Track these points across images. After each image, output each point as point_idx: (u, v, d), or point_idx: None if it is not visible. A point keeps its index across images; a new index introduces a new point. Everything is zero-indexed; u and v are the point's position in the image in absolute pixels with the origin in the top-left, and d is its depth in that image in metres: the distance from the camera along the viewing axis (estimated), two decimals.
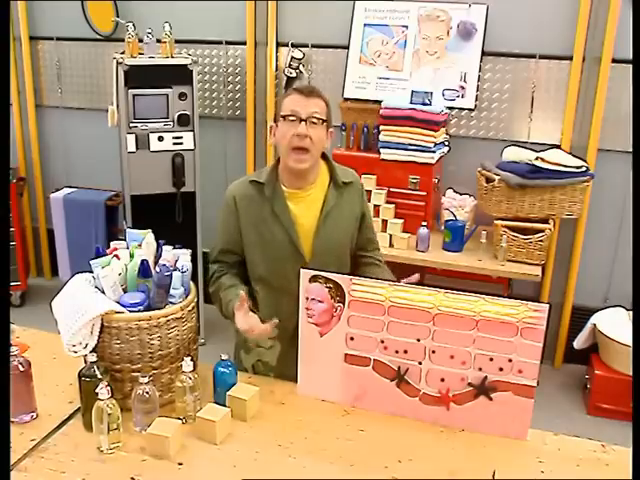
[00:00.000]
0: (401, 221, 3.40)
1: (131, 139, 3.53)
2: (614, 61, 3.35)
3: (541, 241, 3.22)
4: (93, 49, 4.21)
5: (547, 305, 1.71)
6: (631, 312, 3.54)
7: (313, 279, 1.88)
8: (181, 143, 3.61)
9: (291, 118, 2.01)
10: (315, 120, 2.02)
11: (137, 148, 3.55)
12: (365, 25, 3.67)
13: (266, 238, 2.08)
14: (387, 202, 3.45)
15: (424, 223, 3.32)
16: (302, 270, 1.89)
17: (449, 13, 3.51)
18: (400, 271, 3.28)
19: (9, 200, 3.77)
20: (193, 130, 3.61)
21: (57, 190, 4.15)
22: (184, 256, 1.97)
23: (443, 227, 3.41)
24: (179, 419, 1.83)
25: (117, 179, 3.89)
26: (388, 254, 3.32)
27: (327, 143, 2.11)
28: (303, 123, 2.00)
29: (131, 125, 3.52)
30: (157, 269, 1.85)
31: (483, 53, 3.51)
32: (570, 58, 3.42)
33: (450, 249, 3.35)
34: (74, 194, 4.11)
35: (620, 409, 3.34)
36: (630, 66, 3.34)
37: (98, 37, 4.16)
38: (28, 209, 4.60)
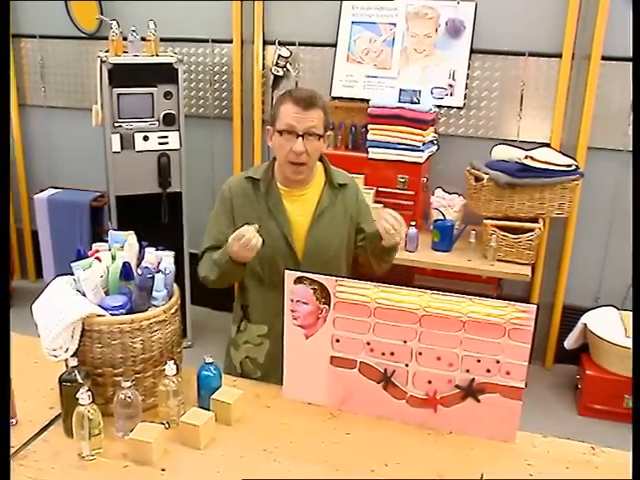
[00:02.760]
0: None
1: (116, 139, 3.49)
2: (604, 58, 3.34)
3: (531, 240, 3.19)
4: (77, 47, 4.16)
5: (534, 306, 1.68)
6: (622, 312, 3.52)
7: (298, 280, 1.84)
8: (167, 143, 3.57)
9: (287, 134, 1.99)
10: (312, 134, 1.99)
11: (122, 148, 3.51)
12: (353, 23, 3.64)
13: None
14: (375, 202, 3.42)
15: (413, 223, 3.29)
16: (287, 271, 1.86)
17: (437, 10, 3.49)
18: (388, 271, 3.27)
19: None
20: (179, 129, 3.57)
21: (41, 191, 4.10)
22: (167, 258, 1.93)
23: (432, 227, 3.39)
24: (162, 424, 1.80)
25: (102, 179, 3.85)
26: None
27: (324, 148, 2.09)
28: (300, 139, 1.98)
29: (116, 125, 3.48)
30: (139, 271, 1.81)
31: (472, 51, 3.49)
32: (559, 56, 3.40)
33: (439, 249, 3.33)
34: (58, 195, 4.06)
35: (611, 409, 3.33)
36: (620, 63, 3.33)
37: (82, 35, 4.11)
38: (12, 210, 4.54)
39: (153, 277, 1.81)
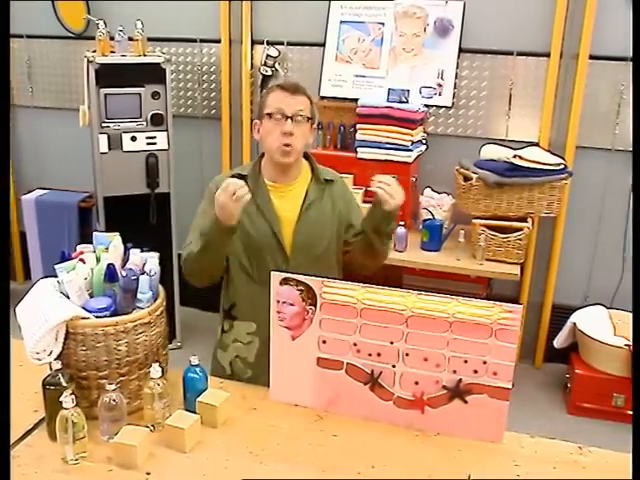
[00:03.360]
0: None
1: (103, 139, 3.47)
2: (592, 57, 3.34)
3: (520, 240, 3.19)
4: (65, 47, 4.14)
5: (520, 306, 1.68)
6: (611, 310, 3.53)
7: (284, 282, 1.83)
8: (155, 143, 3.55)
9: (277, 116, 2.03)
10: (300, 118, 2.04)
11: (109, 148, 3.49)
12: (341, 22, 3.63)
13: (248, 229, 2.07)
14: (364, 202, 3.41)
15: (402, 223, 3.28)
16: (272, 272, 1.84)
17: (426, 10, 3.49)
18: (377, 271, 3.26)
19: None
20: (167, 130, 3.55)
21: (29, 192, 4.07)
22: (152, 259, 1.91)
23: (421, 226, 3.38)
24: (148, 427, 1.78)
25: (91, 180, 3.81)
26: None
27: (311, 138, 2.13)
28: (289, 120, 2.02)
29: (103, 125, 3.46)
30: (123, 273, 1.79)
31: (460, 50, 3.49)
32: (547, 55, 3.40)
33: (428, 249, 3.32)
34: (46, 196, 4.04)
35: (601, 408, 3.34)
36: (607, 62, 3.34)
37: (70, 35, 4.08)
38: None
39: (137, 279, 1.79)
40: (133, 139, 3.51)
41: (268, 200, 2.11)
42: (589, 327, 3.40)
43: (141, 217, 3.60)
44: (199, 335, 3.91)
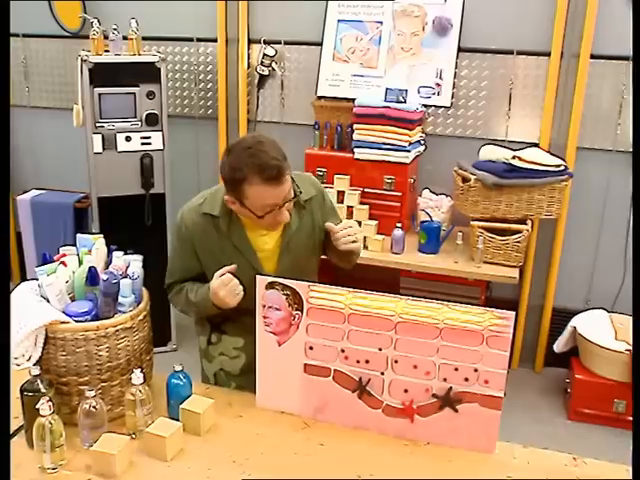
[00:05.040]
0: (375, 222, 3.31)
1: (97, 139, 3.42)
2: (593, 57, 3.28)
3: (518, 242, 3.13)
4: (61, 46, 4.09)
5: (513, 313, 1.62)
6: (612, 314, 3.46)
7: (270, 286, 1.78)
8: (149, 143, 3.50)
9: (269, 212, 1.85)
10: (289, 199, 1.87)
11: (104, 149, 3.44)
12: (339, 21, 3.57)
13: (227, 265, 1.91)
14: (361, 203, 3.36)
15: (399, 224, 3.23)
16: (258, 277, 1.80)
17: (424, 8, 3.43)
18: (374, 273, 3.22)
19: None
20: (162, 130, 3.50)
21: (24, 192, 4.03)
22: (135, 262, 1.86)
23: (418, 228, 3.32)
24: (130, 434, 1.74)
25: (87, 181, 3.77)
26: (362, 256, 3.22)
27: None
28: (284, 209, 1.85)
29: (97, 125, 3.41)
30: (104, 277, 1.75)
31: (459, 49, 3.43)
32: (548, 54, 3.34)
33: (426, 251, 3.26)
34: (42, 196, 3.99)
35: (601, 414, 3.27)
36: (609, 62, 3.29)
37: (66, 34, 4.04)
38: None
39: (118, 283, 1.74)
40: (128, 139, 3.46)
41: (244, 239, 1.96)
42: (590, 331, 3.33)
43: (136, 218, 3.55)
44: (194, 338, 3.84)
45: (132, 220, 3.53)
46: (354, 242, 1.94)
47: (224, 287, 1.84)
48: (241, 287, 1.86)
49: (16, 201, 4.00)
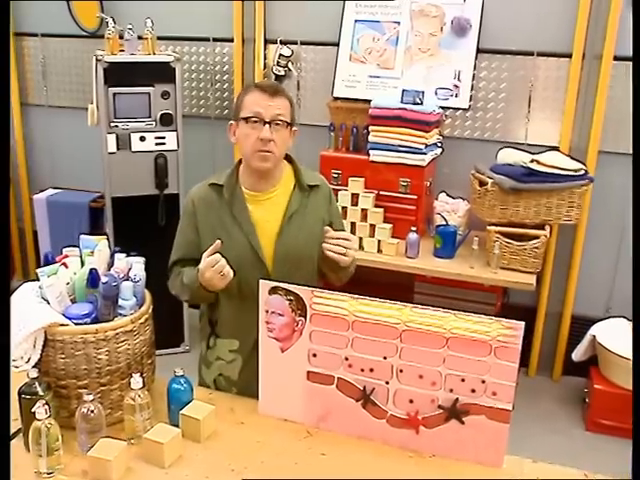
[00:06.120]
0: (390, 226, 3.25)
1: (111, 139, 3.42)
2: (616, 58, 3.19)
3: (536, 248, 3.05)
4: (79, 46, 4.09)
5: (522, 323, 1.56)
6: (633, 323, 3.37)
7: (273, 291, 1.74)
8: (164, 143, 3.49)
9: (254, 120, 1.89)
10: (279, 122, 1.90)
11: (118, 148, 3.44)
12: (356, 21, 3.53)
13: (225, 243, 1.95)
14: (376, 206, 3.31)
15: (414, 228, 3.17)
16: (261, 281, 1.75)
17: (443, 8, 3.37)
18: (388, 277, 3.17)
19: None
20: (176, 130, 3.49)
21: (41, 191, 4.05)
22: (137, 265, 1.83)
23: (434, 232, 3.26)
24: (129, 440, 1.71)
25: (102, 180, 3.78)
26: (376, 260, 3.19)
27: (290, 142, 1.99)
28: (267, 126, 1.88)
29: (112, 125, 3.41)
30: (104, 279, 1.72)
31: (478, 50, 3.36)
32: (570, 55, 3.26)
33: (441, 255, 3.20)
34: (58, 195, 4.01)
35: (620, 425, 3.18)
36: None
37: (84, 34, 4.05)
38: (14, 210, 4.50)
39: (118, 285, 1.71)
40: (142, 139, 3.46)
41: (245, 210, 1.98)
42: (610, 340, 3.24)
43: (149, 218, 3.54)
44: None
45: (146, 220, 3.52)
46: (342, 254, 1.91)
47: (210, 268, 1.82)
48: (229, 268, 1.83)
49: (33, 200, 4.02)
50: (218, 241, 1.85)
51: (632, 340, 3.05)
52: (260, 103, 1.89)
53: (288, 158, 2.06)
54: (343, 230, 2.09)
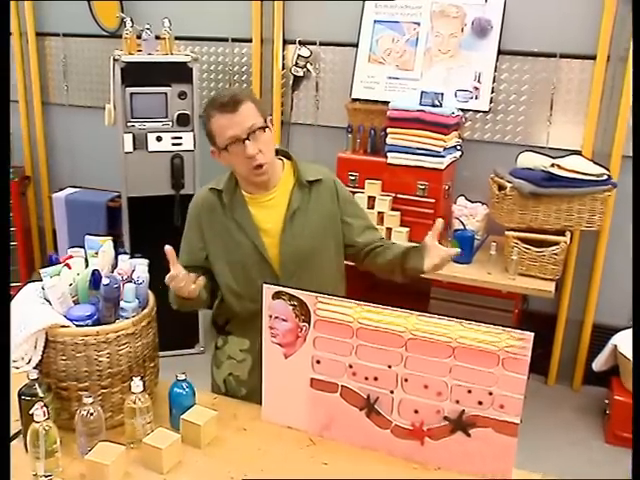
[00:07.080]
0: (407, 229, 3.20)
1: (128, 139, 3.42)
2: None
3: (555, 254, 2.98)
4: (100, 45, 4.11)
5: (532, 334, 1.50)
6: None
7: (276, 296, 1.70)
8: (180, 144, 3.48)
9: (232, 144, 1.85)
10: (256, 130, 1.85)
11: (134, 148, 3.44)
12: (375, 22, 3.48)
13: (230, 247, 1.95)
14: (393, 209, 3.26)
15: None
16: (265, 286, 1.72)
17: (463, 9, 3.31)
18: (401, 284, 3.11)
19: (9, 201, 3.69)
20: (193, 130, 3.47)
21: (60, 190, 4.06)
22: (141, 266, 1.81)
23: (451, 237, 3.20)
24: (128, 444, 1.68)
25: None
26: None
27: (272, 133, 1.93)
28: (247, 142, 1.84)
29: (128, 124, 3.41)
30: (105, 281, 1.70)
31: (499, 52, 3.30)
32: (594, 57, 3.18)
33: (458, 260, 3.13)
34: (76, 194, 4.03)
35: None
36: None
37: (104, 34, 4.06)
38: (35, 208, 4.53)
39: (119, 287, 1.69)
40: (158, 139, 3.45)
41: (246, 213, 1.96)
42: (631, 350, 3.15)
43: (165, 218, 3.52)
44: None
45: (161, 220, 3.50)
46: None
47: (172, 281, 1.80)
48: (192, 275, 1.81)
49: (52, 198, 4.04)
50: (168, 248, 1.80)
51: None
52: (228, 125, 1.84)
53: (287, 155, 2.04)
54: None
